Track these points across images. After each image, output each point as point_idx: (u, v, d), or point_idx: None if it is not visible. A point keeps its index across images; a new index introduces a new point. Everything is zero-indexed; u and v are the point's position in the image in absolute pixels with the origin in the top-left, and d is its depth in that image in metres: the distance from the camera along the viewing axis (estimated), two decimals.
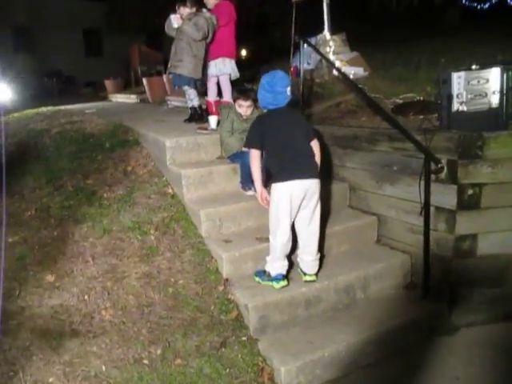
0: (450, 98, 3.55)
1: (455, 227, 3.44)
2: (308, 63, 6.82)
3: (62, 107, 8.68)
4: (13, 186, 4.41)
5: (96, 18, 24.13)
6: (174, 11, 5.25)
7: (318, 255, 3.42)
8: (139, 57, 16.29)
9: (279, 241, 3.25)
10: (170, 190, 4.11)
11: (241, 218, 3.77)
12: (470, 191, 3.39)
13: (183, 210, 3.87)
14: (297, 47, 7.99)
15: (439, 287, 3.57)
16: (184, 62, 5.16)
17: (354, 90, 5.21)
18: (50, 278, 3.26)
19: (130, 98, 10.94)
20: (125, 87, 13.98)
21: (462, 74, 3.49)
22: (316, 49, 5.04)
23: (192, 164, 4.14)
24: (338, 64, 6.37)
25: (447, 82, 3.61)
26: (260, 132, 3.27)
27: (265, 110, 3.49)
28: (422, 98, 5.14)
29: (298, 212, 3.26)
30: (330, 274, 3.47)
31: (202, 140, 4.33)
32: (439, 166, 3.37)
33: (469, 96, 3.48)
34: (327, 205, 4.21)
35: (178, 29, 5.17)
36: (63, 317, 2.98)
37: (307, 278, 3.37)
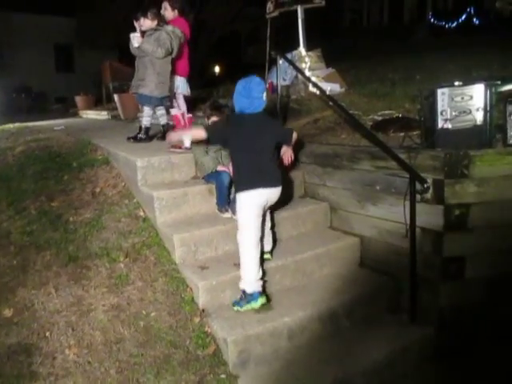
0: (433, 115, 3.44)
1: (442, 249, 3.29)
2: (284, 79, 6.71)
3: (30, 124, 8.38)
4: None
5: (67, 33, 23.73)
6: (134, 29, 4.98)
7: (271, 234, 3.56)
8: (111, 73, 15.93)
9: (252, 252, 3.15)
10: (142, 213, 3.86)
11: (217, 242, 3.54)
12: (457, 211, 3.25)
13: (156, 235, 3.62)
14: (272, 63, 7.94)
15: (427, 311, 3.41)
16: (146, 81, 4.89)
17: (333, 107, 5.08)
18: (8, 312, 2.96)
19: (101, 115, 10.64)
20: (96, 103, 13.64)
21: (446, 90, 3.38)
22: (294, 64, 4.91)
23: (165, 185, 3.90)
24: (314, 80, 6.26)
25: (430, 98, 3.50)
26: (225, 132, 3.25)
27: None
28: (400, 115, 5.05)
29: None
30: (314, 301, 3.27)
31: (176, 159, 4.10)
32: (425, 185, 3.23)
33: (453, 113, 3.37)
34: (307, 226, 4.05)
35: (139, 47, 4.90)
36: (21, 357, 2.69)
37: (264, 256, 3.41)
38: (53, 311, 2.99)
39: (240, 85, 3.26)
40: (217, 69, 26.65)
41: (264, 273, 3.34)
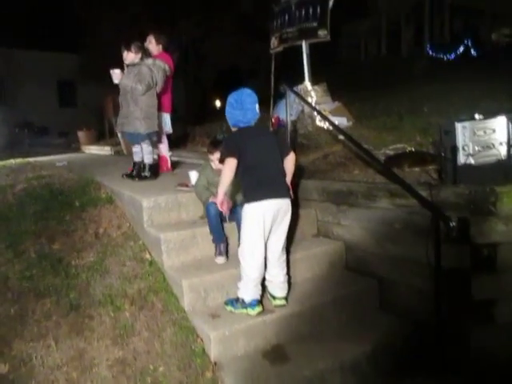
0: (454, 149, 3.28)
1: (470, 291, 3.07)
2: (290, 114, 6.59)
3: (32, 159, 8.21)
4: None
5: (70, 69, 23.98)
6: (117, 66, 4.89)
7: (287, 277, 3.31)
8: (113, 108, 15.99)
9: (252, 264, 3.08)
10: (148, 256, 3.65)
11: (229, 287, 3.32)
12: (485, 251, 3.05)
13: (163, 279, 3.41)
14: (276, 97, 7.87)
15: (455, 360, 3.16)
16: (130, 118, 4.73)
17: (343, 141, 4.95)
18: (3, 368, 2.71)
19: (103, 150, 10.53)
20: (99, 138, 13.58)
21: (467, 124, 3.24)
22: (303, 98, 4.79)
23: (172, 226, 3.71)
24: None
25: (450, 132, 3.35)
26: (236, 143, 3.09)
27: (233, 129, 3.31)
28: (414, 149, 4.90)
29: (270, 233, 3.13)
30: (334, 350, 3.03)
31: (183, 198, 3.93)
32: (450, 224, 3.03)
33: (476, 148, 3.22)
34: (322, 267, 3.84)
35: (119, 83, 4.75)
36: None
37: (277, 302, 3.23)
38: (52, 366, 2.74)
39: (231, 98, 3.21)
40: (218, 103, 26.81)
41: (280, 319, 3.14)
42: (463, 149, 3.24)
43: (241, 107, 3.14)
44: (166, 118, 5.42)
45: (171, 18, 18.65)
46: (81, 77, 22.80)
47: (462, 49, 24.21)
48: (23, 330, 2.97)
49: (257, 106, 3.19)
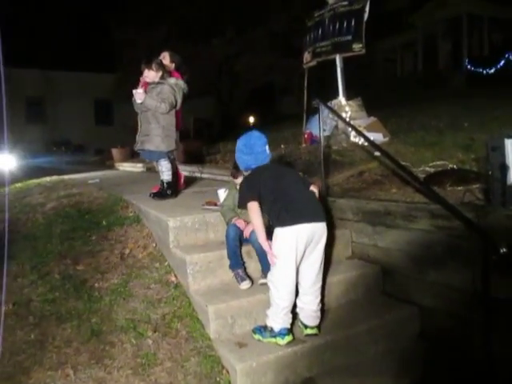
0: (503, 168, 3.00)
1: None
2: (323, 129, 6.40)
3: (66, 177, 8.32)
4: None
5: (107, 88, 24.62)
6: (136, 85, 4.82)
7: (320, 305, 3.07)
8: None
9: (283, 292, 2.88)
10: (173, 278, 3.50)
11: (257, 314, 3.12)
12: None
13: (188, 304, 3.24)
14: (309, 113, 7.71)
15: None
16: (150, 136, 4.61)
17: (379, 158, 4.71)
18: None
19: (136, 167, 10.58)
20: (132, 155, 13.71)
21: None
22: (337, 113, 4.60)
23: (199, 247, 3.55)
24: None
25: (498, 149, 3.07)
26: (253, 185, 2.94)
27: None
28: (455, 166, 4.61)
29: (302, 258, 2.92)
30: None
31: (211, 218, 3.77)
32: (501, 251, 2.75)
33: None
34: (358, 292, 3.59)
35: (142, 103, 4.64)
36: None
37: (309, 331, 3.00)
38: None
39: (240, 142, 3.13)
40: (251, 119, 26.88)
41: (312, 350, 2.91)
42: None
43: (250, 152, 3.07)
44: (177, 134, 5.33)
45: (204, 36, 18.85)
46: (117, 95, 23.35)
47: (502, 63, 23.53)
48: (42, 357, 2.85)
49: (267, 147, 3.12)
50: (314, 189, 3.15)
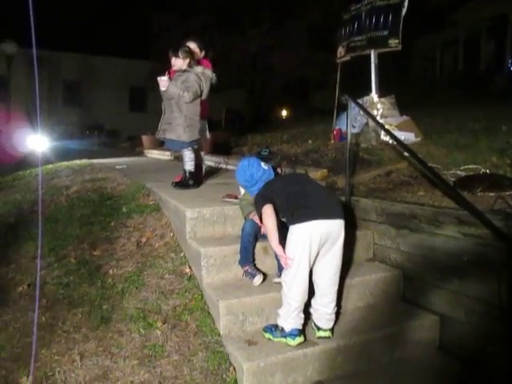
0: None
1: None
2: (353, 126, 6.23)
3: (95, 161, 8.40)
4: (13, 252, 3.87)
5: (142, 75, 24.85)
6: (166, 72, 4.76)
7: (335, 309, 2.97)
8: None
9: (296, 292, 2.79)
10: (188, 270, 3.45)
11: (269, 312, 3.04)
12: None
13: (200, 298, 3.18)
14: (340, 109, 7.53)
15: None
16: (173, 125, 4.54)
17: (408, 158, 4.54)
18: (25, 381, 2.58)
19: (164, 155, 10.59)
20: (162, 143, 13.78)
21: None
22: (365, 110, 4.44)
23: (215, 240, 3.49)
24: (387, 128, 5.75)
25: None
26: (265, 194, 2.94)
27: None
28: (488, 171, 4.40)
29: (317, 257, 2.82)
30: None
31: (230, 211, 3.70)
32: None
33: None
34: (376, 297, 3.46)
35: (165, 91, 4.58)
36: None
37: (321, 333, 2.91)
38: None
39: (240, 180, 3.27)
40: (284, 112, 26.67)
41: (323, 353, 2.82)
42: None
43: (254, 182, 3.17)
44: (204, 124, 5.25)
45: (241, 27, 18.75)
46: (152, 83, 23.54)
47: None
48: (51, 340, 2.85)
49: (262, 164, 3.24)
50: None
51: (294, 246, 2.75)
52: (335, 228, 2.81)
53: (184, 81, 4.48)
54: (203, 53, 5.21)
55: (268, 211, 2.82)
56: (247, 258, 3.25)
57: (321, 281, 2.90)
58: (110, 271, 3.46)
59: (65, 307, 3.12)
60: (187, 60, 4.59)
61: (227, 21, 18.98)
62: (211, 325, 2.99)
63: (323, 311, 2.91)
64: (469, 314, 3.07)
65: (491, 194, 3.71)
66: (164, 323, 2.97)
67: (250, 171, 3.17)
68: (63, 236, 3.99)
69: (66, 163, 7.94)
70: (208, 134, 5.41)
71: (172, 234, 3.89)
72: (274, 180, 3.15)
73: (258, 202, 2.94)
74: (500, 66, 24.13)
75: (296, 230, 2.74)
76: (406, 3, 6.11)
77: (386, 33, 6.35)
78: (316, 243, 2.73)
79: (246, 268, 3.22)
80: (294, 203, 2.80)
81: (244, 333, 2.96)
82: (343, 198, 4.01)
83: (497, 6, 23.94)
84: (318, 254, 2.80)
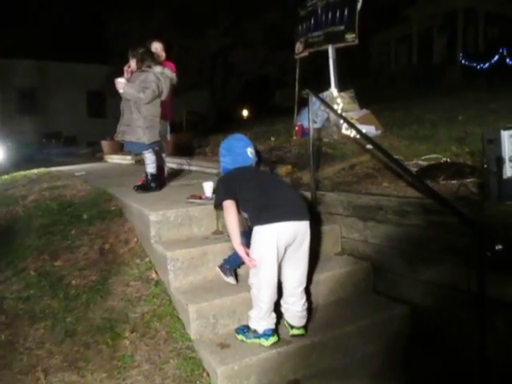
0: (499, 161, 2.86)
1: None
2: (315, 122, 6.24)
3: (54, 169, 8.14)
4: None
5: (100, 80, 24.35)
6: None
7: (306, 305, 2.91)
8: None
9: (265, 294, 2.74)
10: (154, 275, 3.35)
11: (241, 313, 2.96)
12: None
13: (169, 303, 3.08)
14: (301, 105, 7.53)
15: None
16: (132, 127, 4.42)
17: (371, 151, 4.57)
18: None
19: (125, 159, 10.37)
20: (122, 148, 13.48)
21: None
22: (328, 104, 4.43)
23: (182, 242, 3.39)
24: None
25: (494, 141, 2.93)
26: (229, 185, 2.84)
27: None
28: (448, 160, 4.48)
29: (284, 257, 2.76)
30: None
31: (195, 212, 3.61)
32: (496, 248, 2.62)
33: None
34: (347, 290, 3.45)
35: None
36: None
37: (295, 331, 2.86)
38: None
39: (221, 146, 3.14)
40: (245, 112, 26.67)
41: (298, 351, 2.77)
42: (510, 160, 2.82)
43: (228, 153, 3.06)
44: (166, 126, 5.17)
45: (199, 27, 18.60)
46: (109, 87, 23.06)
47: (496, 58, 23.44)
48: (12, 359, 2.69)
49: (249, 149, 3.06)
50: None
51: (259, 249, 2.69)
52: (301, 229, 2.76)
53: (142, 80, 4.37)
54: (164, 54, 5.13)
55: (230, 207, 2.76)
56: (235, 261, 3.14)
57: (288, 283, 2.84)
58: (73, 281, 3.31)
59: (26, 323, 2.96)
60: (146, 61, 4.48)
61: (184, 21, 18.78)
62: (182, 330, 2.90)
63: (294, 309, 2.86)
64: (439, 302, 3.09)
65: (454, 182, 3.78)
66: (132, 332, 2.86)
67: (234, 143, 3.09)
68: (21, 248, 3.81)
69: (22, 173, 7.63)
70: (169, 136, 5.31)
71: (136, 239, 3.77)
72: (243, 171, 2.99)
73: (221, 192, 2.87)
74: (452, 60, 24.88)
75: (261, 232, 2.68)
76: None
77: (342, 28, 6.40)
78: (282, 245, 2.69)
79: (228, 267, 3.14)
80: (258, 202, 2.73)
81: (216, 336, 2.88)
82: (309, 193, 3.99)
83: (447, 2, 24.69)
84: (284, 256, 2.76)
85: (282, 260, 2.76)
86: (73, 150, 18.87)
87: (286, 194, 2.89)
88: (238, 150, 3.03)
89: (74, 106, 26.73)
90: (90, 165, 10.15)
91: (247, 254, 2.75)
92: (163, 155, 5.18)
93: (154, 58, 4.68)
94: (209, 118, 23.04)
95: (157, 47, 5.12)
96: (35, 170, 7.90)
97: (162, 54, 5.09)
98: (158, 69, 4.58)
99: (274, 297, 2.76)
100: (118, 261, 3.52)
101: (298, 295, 2.84)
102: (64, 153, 17.53)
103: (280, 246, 2.67)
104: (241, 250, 2.76)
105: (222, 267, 3.20)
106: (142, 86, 4.33)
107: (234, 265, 3.17)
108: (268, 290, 2.71)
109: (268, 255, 2.67)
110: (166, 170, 5.34)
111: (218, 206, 2.91)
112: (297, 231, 2.72)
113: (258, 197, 2.76)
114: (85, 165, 9.97)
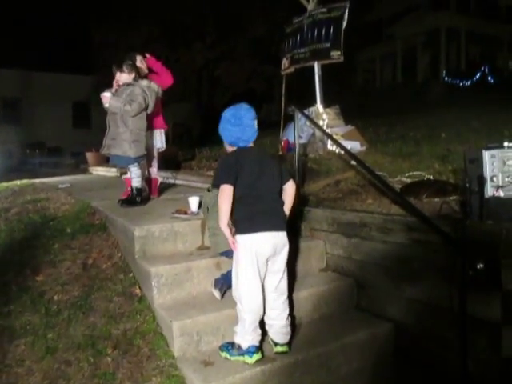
0: (481, 180, 2.92)
1: (501, 346, 2.67)
2: (300, 137, 6.29)
3: (37, 180, 8.02)
4: None
5: (85, 90, 24.30)
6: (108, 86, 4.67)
7: (289, 321, 2.90)
8: None
9: (248, 307, 2.72)
10: (138, 291, 3.31)
11: (225, 330, 2.95)
12: None
13: (152, 319, 3.05)
14: (287, 120, 7.60)
15: None
16: (118, 140, 4.41)
17: (356, 167, 4.61)
18: None
19: (110, 171, 10.28)
20: (107, 160, 13.40)
21: (496, 152, 2.88)
22: (312, 120, 4.49)
23: (166, 258, 3.37)
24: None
25: (476, 161, 2.99)
26: (232, 167, 2.73)
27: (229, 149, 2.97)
28: (431, 177, 4.55)
29: (266, 270, 2.78)
30: None
31: (180, 227, 3.59)
32: (478, 266, 2.66)
33: (506, 179, 2.85)
34: (330, 307, 3.46)
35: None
36: None
37: (278, 348, 2.83)
38: None
39: (227, 113, 2.86)
40: None
41: (282, 369, 2.76)
42: (491, 180, 2.87)
43: (239, 123, 2.80)
44: (158, 134, 5.15)
45: (185, 40, 18.69)
46: (95, 98, 22.94)
47: (478, 75, 23.97)
48: None
49: (256, 122, 2.86)
50: (290, 185, 2.97)
51: (242, 259, 2.71)
52: (280, 240, 2.78)
53: (128, 94, 4.37)
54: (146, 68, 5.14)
55: (226, 192, 2.68)
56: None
57: (269, 295, 2.84)
58: (55, 297, 3.26)
59: (6, 339, 2.90)
60: (132, 74, 4.49)
61: (171, 34, 18.86)
62: (165, 347, 2.87)
63: (277, 325, 2.85)
64: (422, 319, 3.12)
65: (436, 200, 3.83)
66: (114, 349, 2.82)
67: (245, 113, 2.83)
68: (3, 262, 3.73)
69: (4, 184, 7.50)
70: (164, 145, 5.28)
71: (120, 254, 3.73)
72: (248, 153, 2.84)
73: (222, 173, 2.76)
74: (436, 77, 25.36)
75: (243, 242, 2.70)
76: (345, 16, 6.28)
77: (328, 45, 6.51)
78: (264, 256, 2.70)
79: (222, 281, 3.12)
80: (242, 208, 2.73)
81: (200, 353, 2.86)
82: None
83: (429, 21, 25.24)
84: (266, 267, 2.77)
85: (264, 272, 2.76)
86: (57, 161, 18.70)
87: (273, 200, 2.83)
88: (249, 122, 2.82)
89: (59, 117, 26.52)
90: (74, 176, 10.05)
91: (233, 236, 2.75)
92: (154, 168, 5.17)
93: (139, 72, 4.69)
94: (194, 130, 23.06)
95: (139, 60, 5.12)
96: (18, 182, 7.79)
97: (144, 67, 5.10)
98: (144, 82, 4.59)
99: (259, 311, 2.75)
100: (101, 276, 3.47)
101: (279, 307, 2.83)
102: (48, 164, 17.36)
103: (261, 257, 2.69)
104: (226, 231, 2.73)
105: (216, 279, 3.19)
106: (129, 99, 4.33)
107: (229, 282, 3.13)
108: (250, 304, 2.71)
109: (250, 266, 2.68)
110: (158, 181, 5.34)
111: (215, 186, 2.81)
112: (276, 242, 2.74)
113: (249, 198, 2.73)
114: (69, 176, 9.88)
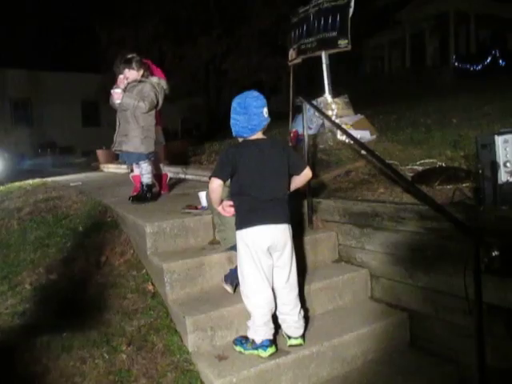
0: (494, 166, 2.86)
1: None
2: (310, 128, 6.24)
3: (49, 179, 8.11)
4: None
5: (94, 89, 24.34)
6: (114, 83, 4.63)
7: (302, 314, 2.88)
8: None
9: (256, 301, 2.72)
10: (151, 287, 3.32)
11: (239, 324, 2.94)
12: None
13: (165, 315, 3.06)
14: (295, 112, 7.54)
15: None
16: (129, 137, 4.42)
17: (367, 156, 4.56)
18: None
19: (120, 168, 10.35)
20: (117, 157, 13.46)
21: (509, 137, 2.81)
22: (321, 111, 4.44)
23: (178, 253, 3.37)
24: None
25: (488, 147, 2.93)
26: (230, 160, 2.72)
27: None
28: (444, 164, 4.48)
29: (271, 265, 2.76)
30: None
31: (191, 223, 3.59)
32: (492, 253, 2.61)
33: None
34: (345, 298, 3.44)
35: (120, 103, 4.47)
36: None
37: (292, 341, 2.82)
38: None
39: (234, 102, 2.78)
40: None
41: (297, 362, 2.76)
42: (505, 165, 2.82)
43: (245, 112, 2.71)
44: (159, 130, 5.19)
45: (191, 35, 18.63)
46: (103, 96, 23.04)
47: (489, 59, 23.60)
48: (8, 375, 2.66)
49: (265, 110, 2.76)
50: (305, 173, 2.95)
51: (243, 255, 2.71)
52: (282, 233, 2.74)
53: (140, 91, 4.37)
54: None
55: (214, 186, 2.70)
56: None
57: (278, 290, 2.82)
58: (69, 295, 3.28)
59: (22, 338, 2.93)
60: (141, 71, 4.49)
61: (177, 30, 18.82)
62: (179, 343, 2.87)
63: (290, 319, 2.83)
64: (437, 308, 3.08)
65: (449, 187, 3.77)
66: (129, 345, 2.83)
67: (251, 101, 2.73)
68: (16, 262, 3.78)
69: (17, 184, 7.60)
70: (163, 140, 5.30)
71: (132, 251, 3.75)
72: (251, 144, 2.77)
73: (218, 167, 2.75)
74: (445, 62, 25.01)
75: (243, 237, 2.70)
76: (352, 3, 6.20)
77: (334, 34, 6.43)
78: (260, 248, 2.67)
79: (231, 277, 3.12)
80: (241, 202, 2.72)
81: (214, 348, 2.86)
82: (305, 201, 3.98)
83: (438, 4, 24.83)
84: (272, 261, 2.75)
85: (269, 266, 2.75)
86: (68, 160, 18.85)
87: (274, 192, 2.74)
88: (255, 110, 2.72)
89: (68, 116, 26.75)
90: (86, 174, 10.13)
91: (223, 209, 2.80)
92: (161, 165, 5.19)
93: (148, 68, 4.68)
94: (204, 125, 23.05)
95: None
96: (30, 181, 7.87)
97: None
98: (154, 79, 4.59)
99: (268, 305, 2.73)
100: (114, 273, 3.49)
101: (291, 302, 2.81)
102: (59, 163, 17.50)
103: (263, 250, 2.67)
104: (220, 208, 2.78)
105: (226, 275, 3.19)
106: (141, 96, 4.33)
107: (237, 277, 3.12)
108: (259, 299, 2.70)
109: (251, 261, 2.67)
110: (168, 177, 5.35)
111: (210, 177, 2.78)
112: (276, 235, 2.70)
113: (249, 190, 2.69)
114: (80, 175, 9.96)
